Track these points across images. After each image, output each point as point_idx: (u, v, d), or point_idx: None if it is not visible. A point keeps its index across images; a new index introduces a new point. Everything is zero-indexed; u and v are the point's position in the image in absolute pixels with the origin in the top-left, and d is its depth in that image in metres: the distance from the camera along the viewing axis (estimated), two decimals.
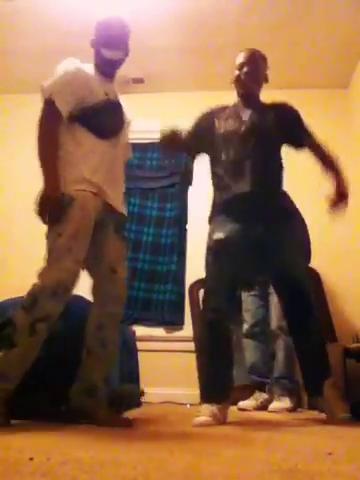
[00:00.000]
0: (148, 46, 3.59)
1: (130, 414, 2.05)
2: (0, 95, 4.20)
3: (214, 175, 2.26)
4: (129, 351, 2.93)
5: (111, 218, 2.03)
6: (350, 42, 3.55)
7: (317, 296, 3.50)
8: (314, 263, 3.45)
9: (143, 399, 2.99)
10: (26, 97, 3.56)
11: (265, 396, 2.88)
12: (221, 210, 2.17)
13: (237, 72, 2.28)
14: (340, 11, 3.27)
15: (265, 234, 2.06)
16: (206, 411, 1.91)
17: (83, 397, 1.88)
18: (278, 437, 1.62)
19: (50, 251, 1.86)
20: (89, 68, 2.07)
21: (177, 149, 2.31)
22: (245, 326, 3.03)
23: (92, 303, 2.02)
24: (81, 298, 2.35)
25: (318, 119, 4.05)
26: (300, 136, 2.26)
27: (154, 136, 4.23)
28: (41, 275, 1.84)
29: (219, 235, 2.10)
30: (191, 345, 3.27)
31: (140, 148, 4.26)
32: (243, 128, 2.18)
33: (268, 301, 2.99)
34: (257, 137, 2.16)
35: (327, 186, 2.22)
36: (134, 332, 3.23)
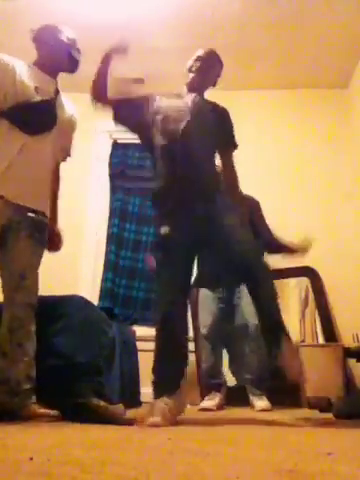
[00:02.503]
0: (148, 46, 3.59)
1: (130, 414, 2.04)
2: None
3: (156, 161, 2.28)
4: (129, 351, 2.93)
5: (25, 222, 1.96)
6: (350, 42, 3.56)
7: (317, 296, 3.51)
8: (314, 263, 3.47)
9: (142, 399, 3.00)
10: None
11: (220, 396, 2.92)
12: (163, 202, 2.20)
13: (192, 63, 2.35)
14: (340, 11, 3.27)
15: (203, 217, 2.03)
16: (159, 408, 1.85)
17: (7, 397, 1.85)
18: (278, 437, 1.62)
19: None
20: (20, 64, 2.02)
21: None
22: (203, 326, 3.06)
23: (3, 307, 1.94)
24: (81, 298, 2.35)
25: (318, 119, 4.06)
26: (227, 142, 2.29)
27: None
28: None
29: (164, 229, 2.08)
30: (191, 345, 3.26)
31: (140, 148, 4.26)
32: (187, 115, 2.17)
33: (233, 304, 3.01)
34: (197, 126, 2.15)
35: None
36: (134, 332, 3.23)
